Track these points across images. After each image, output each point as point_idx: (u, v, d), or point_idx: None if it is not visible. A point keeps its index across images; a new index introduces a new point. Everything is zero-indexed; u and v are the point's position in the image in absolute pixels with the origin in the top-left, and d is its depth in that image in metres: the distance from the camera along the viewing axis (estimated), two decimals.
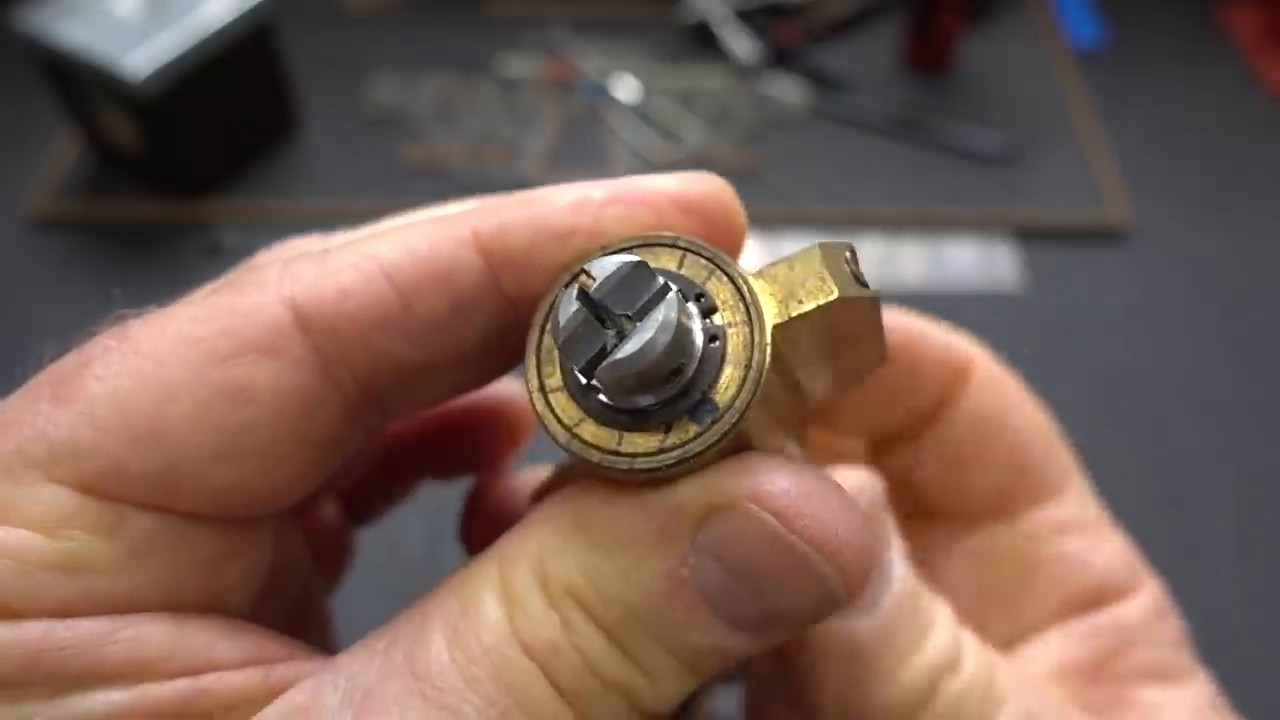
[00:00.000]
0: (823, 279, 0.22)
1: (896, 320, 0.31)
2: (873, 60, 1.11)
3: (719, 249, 0.23)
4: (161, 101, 0.88)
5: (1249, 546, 0.76)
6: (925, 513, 0.33)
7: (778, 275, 0.22)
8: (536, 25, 1.15)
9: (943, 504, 0.32)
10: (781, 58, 1.10)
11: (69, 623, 0.21)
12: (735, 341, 0.21)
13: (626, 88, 1.07)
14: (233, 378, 0.22)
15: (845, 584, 0.21)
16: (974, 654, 0.27)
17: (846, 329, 0.23)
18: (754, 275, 0.22)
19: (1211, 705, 0.30)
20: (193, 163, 0.96)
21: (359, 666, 0.21)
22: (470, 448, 0.37)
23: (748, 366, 0.21)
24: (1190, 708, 0.30)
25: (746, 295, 0.22)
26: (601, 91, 1.07)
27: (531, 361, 0.23)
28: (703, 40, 1.13)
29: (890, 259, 0.94)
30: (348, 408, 0.23)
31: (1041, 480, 0.31)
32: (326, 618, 0.35)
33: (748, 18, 1.13)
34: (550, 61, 1.10)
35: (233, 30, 0.91)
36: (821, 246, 0.22)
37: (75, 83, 0.92)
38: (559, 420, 0.22)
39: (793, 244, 0.94)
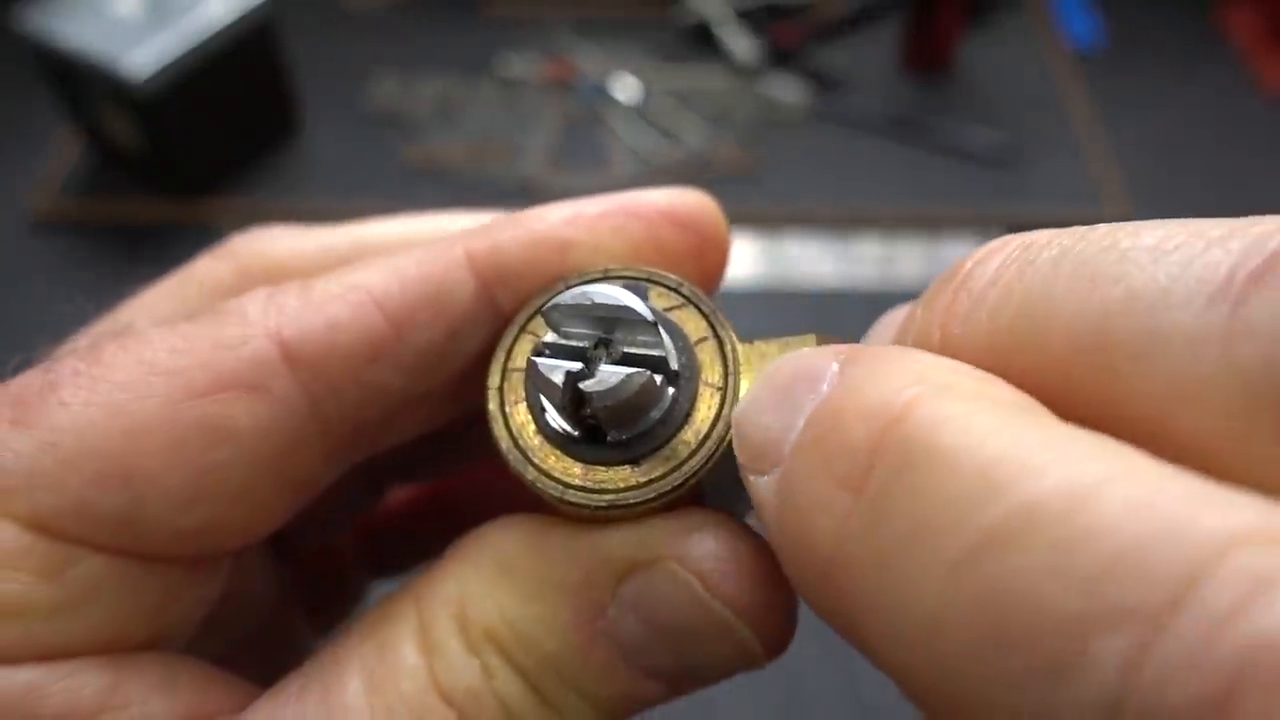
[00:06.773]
0: None
1: None
2: (872, 60, 1.11)
3: (716, 307, 0.22)
4: (162, 101, 0.88)
5: None
6: None
7: (768, 353, 0.22)
8: (536, 25, 1.15)
9: None
10: (781, 58, 1.11)
11: (3, 672, 0.19)
12: (704, 405, 0.21)
13: (626, 88, 1.07)
14: (210, 415, 0.20)
15: (764, 646, 0.21)
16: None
17: None
18: (745, 344, 0.22)
19: None
20: (193, 163, 0.96)
21: (271, 712, 0.21)
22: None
23: (707, 436, 0.21)
24: None
25: (729, 362, 0.22)
26: (601, 91, 1.07)
27: (500, 358, 0.23)
28: (703, 40, 1.13)
29: (889, 259, 0.94)
30: (331, 444, 0.22)
31: None
32: (302, 651, 0.34)
33: (748, 18, 1.13)
34: (550, 61, 1.10)
35: (233, 30, 0.91)
36: (818, 338, 0.22)
37: (75, 83, 0.92)
38: (507, 426, 0.22)
39: (793, 244, 0.94)
